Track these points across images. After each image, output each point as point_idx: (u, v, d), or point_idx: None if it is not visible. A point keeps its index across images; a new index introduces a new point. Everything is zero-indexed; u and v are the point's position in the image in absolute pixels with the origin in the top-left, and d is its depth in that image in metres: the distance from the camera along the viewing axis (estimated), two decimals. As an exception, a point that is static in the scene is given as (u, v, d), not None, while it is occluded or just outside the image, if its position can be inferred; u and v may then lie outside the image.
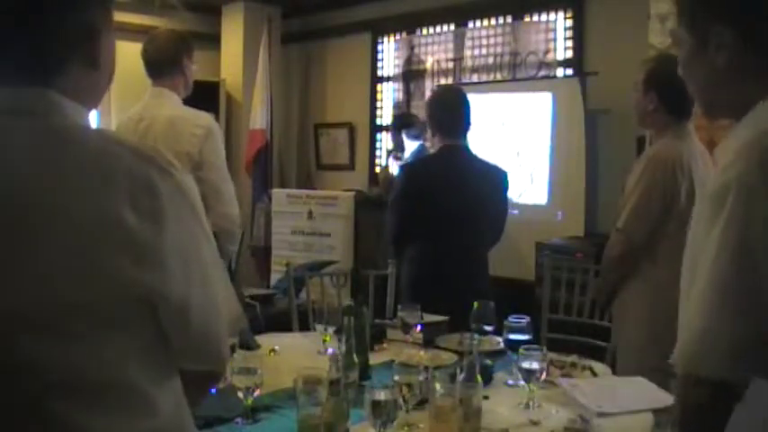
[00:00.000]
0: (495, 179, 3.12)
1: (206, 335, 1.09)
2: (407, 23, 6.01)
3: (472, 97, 3.21)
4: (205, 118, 2.97)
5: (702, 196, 1.20)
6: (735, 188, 1.06)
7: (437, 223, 2.95)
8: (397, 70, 6.11)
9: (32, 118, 1.00)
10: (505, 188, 3.17)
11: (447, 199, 2.95)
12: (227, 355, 1.20)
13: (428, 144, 5.22)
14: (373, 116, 6.40)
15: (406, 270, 3.08)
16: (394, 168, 5.35)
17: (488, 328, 2.29)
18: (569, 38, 4.98)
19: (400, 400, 1.62)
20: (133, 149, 1.02)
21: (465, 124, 3.05)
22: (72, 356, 0.95)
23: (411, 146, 5.17)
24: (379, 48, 6.33)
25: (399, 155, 5.24)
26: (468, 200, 2.97)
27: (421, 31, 5.94)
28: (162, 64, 2.91)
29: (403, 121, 5.30)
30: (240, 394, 1.72)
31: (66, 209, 0.95)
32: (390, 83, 6.23)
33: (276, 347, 2.39)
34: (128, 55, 5.75)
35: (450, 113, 3.04)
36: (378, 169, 6.28)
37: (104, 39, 1.08)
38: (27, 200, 0.96)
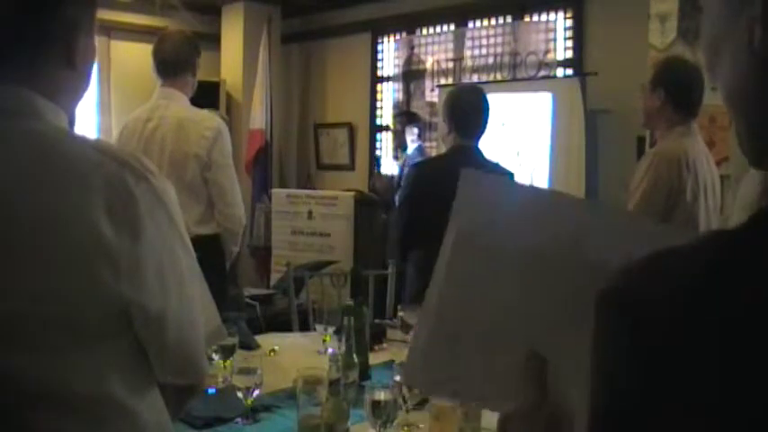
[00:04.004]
0: None
1: (183, 348, 1.05)
2: (407, 23, 6.01)
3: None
4: (214, 120, 3.01)
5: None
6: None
7: (445, 225, 2.93)
8: (397, 70, 6.11)
9: (6, 118, 0.97)
10: None
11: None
12: (206, 369, 1.17)
13: (426, 144, 5.20)
14: (373, 116, 6.40)
15: (411, 272, 3.04)
16: (393, 168, 5.34)
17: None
18: (569, 38, 4.98)
19: (400, 400, 1.63)
20: (110, 155, 0.98)
21: (482, 127, 3.03)
22: (53, 369, 0.94)
23: (410, 146, 5.16)
24: (379, 48, 6.33)
25: (400, 155, 5.23)
26: None
27: (421, 31, 5.94)
28: (177, 64, 2.93)
29: (409, 118, 5.27)
30: (240, 394, 1.72)
31: (44, 218, 0.93)
32: (390, 83, 6.23)
33: (276, 347, 2.39)
34: (128, 55, 5.79)
35: (470, 114, 3.01)
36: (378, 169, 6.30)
37: (83, 39, 1.04)
38: (3, 208, 0.93)
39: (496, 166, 3.14)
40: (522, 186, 0.84)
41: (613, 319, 0.53)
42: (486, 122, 3.02)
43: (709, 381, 0.47)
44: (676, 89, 2.58)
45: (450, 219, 0.85)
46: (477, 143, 3.02)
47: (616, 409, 0.52)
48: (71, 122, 1.06)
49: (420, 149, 5.14)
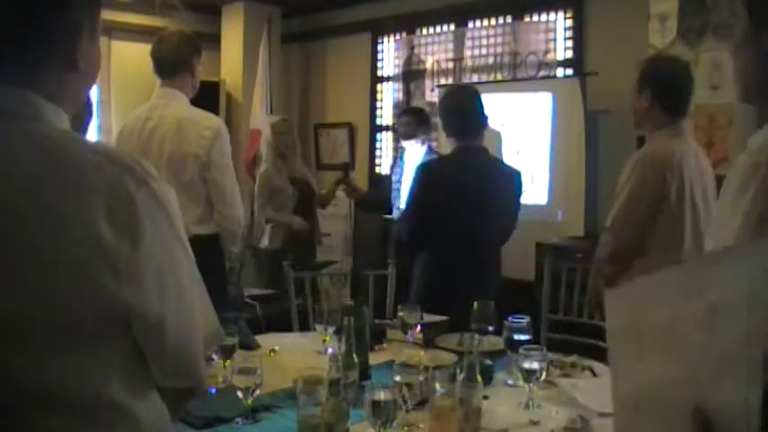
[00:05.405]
0: (510, 180, 3.10)
1: (181, 352, 1.06)
2: (407, 23, 6.01)
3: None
4: (214, 120, 3.00)
5: (729, 177, 1.26)
6: (764, 167, 1.15)
7: (454, 225, 2.92)
8: (397, 70, 6.11)
9: (9, 120, 0.97)
10: (519, 190, 3.14)
11: (464, 201, 2.92)
12: (204, 372, 1.17)
13: (434, 144, 5.08)
14: (373, 116, 6.40)
15: (419, 272, 3.03)
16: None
17: (489, 328, 2.29)
18: (569, 38, 4.98)
19: (400, 400, 1.62)
20: (111, 158, 0.98)
21: (479, 124, 3.02)
22: (53, 369, 0.94)
23: (412, 149, 4.88)
24: (379, 48, 6.33)
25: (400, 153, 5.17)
26: (484, 201, 2.94)
27: (421, 31, 5.94)
28: (174, 64, 2.92)
29: (419, 118, 4.54)
30: (240, 394, 1.72)
31: (45, 219, 0.93)
32: (390, 83, 6.23)
33: (276, 347, 2.39)
34: (128, 55, 5.78)
35: (463, 115, 3.01)
36: (378, 169, 6.29)
37: (87, 40, 1.04)
38: (5, 208, 0.93)
39: (502, 164, 3.15)
40: (668, 270, 0.77)
41: None
42: (482, 119, 3.02)
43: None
44: (663, 90, 2.54)
45: (609, 338, 0.82)
46: (479, 141, 3.02)
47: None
48: (88, 114, 1.06)
49: (429, 151, 4.53)
